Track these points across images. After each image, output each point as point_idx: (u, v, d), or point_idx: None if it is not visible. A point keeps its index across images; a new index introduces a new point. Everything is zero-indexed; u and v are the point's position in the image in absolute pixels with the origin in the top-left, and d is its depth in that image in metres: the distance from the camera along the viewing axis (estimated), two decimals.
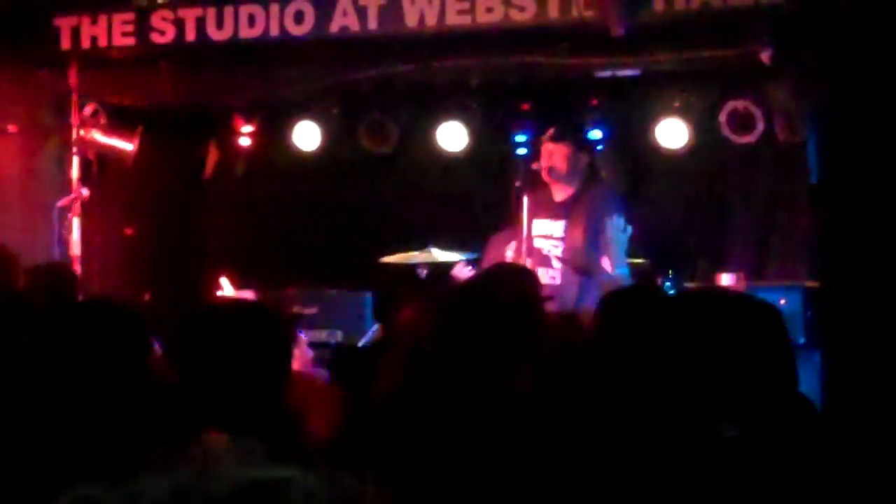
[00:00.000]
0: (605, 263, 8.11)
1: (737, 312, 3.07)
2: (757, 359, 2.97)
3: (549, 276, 8.26)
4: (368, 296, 9.82)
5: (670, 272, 9.18)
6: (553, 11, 8.53)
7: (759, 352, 2.98)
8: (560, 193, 8.45)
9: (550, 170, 8.32)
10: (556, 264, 8.32)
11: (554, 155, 8.37)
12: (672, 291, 8.55)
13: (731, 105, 9.44)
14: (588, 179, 8.56)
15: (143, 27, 9.31)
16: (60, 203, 9.50)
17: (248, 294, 9.17)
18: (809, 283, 8.65)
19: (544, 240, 8.41)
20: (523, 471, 3.51)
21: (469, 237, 10.01)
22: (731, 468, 2.85)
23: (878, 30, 7.72)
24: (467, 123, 10.26)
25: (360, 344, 8.77)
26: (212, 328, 3.82)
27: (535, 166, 8.42)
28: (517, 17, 8.59)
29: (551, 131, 8.52)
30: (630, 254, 8.28)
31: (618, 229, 8.13)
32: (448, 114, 10.28)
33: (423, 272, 9.31)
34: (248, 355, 3.70)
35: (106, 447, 3.28)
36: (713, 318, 3.06)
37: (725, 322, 3.03)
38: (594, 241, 8.14)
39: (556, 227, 8.38)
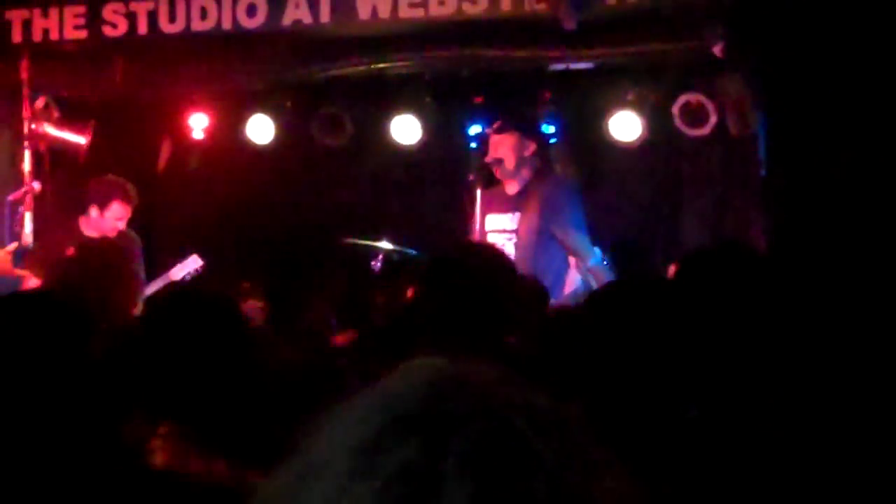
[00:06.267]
0: (571, 259, 8.14)
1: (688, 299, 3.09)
2: (715, 341, 2.99)
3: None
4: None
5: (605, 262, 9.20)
6: (505, 5, 8.54)
7: (719, 334, 3.00)
8: (511, 186, 8.46)
9: (498, 162, 8.33)
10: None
11: (500, 146, 8.38)
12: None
13: (683, 98, 9.46)
14: (538, 171, 8.57)
15: (94, 20, 9.27)
16: (12, 197, 9.42)
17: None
18: None
19: (498, 234, 8.41)
20: None
21: (423, 230, 10.05)
22: (691, 448, 2.87)
23: (829, 23, 7.77)
24: (421, 117, 10.24)
25: None
26: (165, 317, 3.80)
27: (487, 160, 8.42)
28: (470, 10, 8.61)
29: (497, 123, 8.54)
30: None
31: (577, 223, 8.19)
32: (401, 107, 10.26)
33: (377, 264, 9.33)
34: (201, 343, 3.67)
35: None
36: (671, 304, 3.07)
37: (682, 307, 3.05)
38: (545, 235, 8.15)
39: (509, 220, 8.39)
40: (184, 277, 9.23)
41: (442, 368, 1.22)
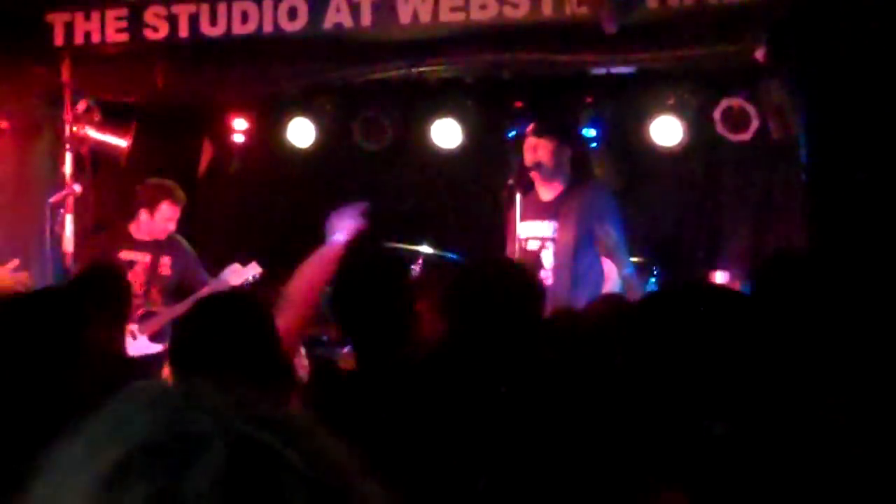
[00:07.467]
0: (608, 265, 8.07)
1: (726, 308, 3.04)
2: (746, 355, 2.94)
3: (541, 278, 8.21)
4: None
5: (654, 270, 9.16)
6: (546, 9, 8.50)
7: (749, 348, 2.95)
8: (547, 192, 8.38)
9: (535, 165, 8.28)
10: (548, 265, 8.27)
11: (538, 149, 8.32)
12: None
13: (725, 103, 9.42)
14: (576, 176, 8.52)
15: (136, 23, 9.29)
16: (53, 199, 9.47)
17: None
18: None
19: (534, 241, 8.35)
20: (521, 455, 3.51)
21: (462, 234, 10.03)
22: (719, 465, 2.83)
23: (872, 27, 7.69)
24: (461, 120, 10.23)
25: None
26: (203, 320, 3.80)
27: (527, 163, 8.35)
28: (511, 14, 8.57)
29: (533, 126, 8.48)
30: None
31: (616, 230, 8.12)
32: (442, 111, 10.25)
33: (417, 267, 9.31)
34: (237, 346, 3.67)
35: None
36: (702, 314, 3.03)
37: (714, 318, 3.01)
38: (584, 242, 8.09)
39: (546, 227, 8.32)
40: (242, 284, 9.29)
41: (171, 391, 1.17)
